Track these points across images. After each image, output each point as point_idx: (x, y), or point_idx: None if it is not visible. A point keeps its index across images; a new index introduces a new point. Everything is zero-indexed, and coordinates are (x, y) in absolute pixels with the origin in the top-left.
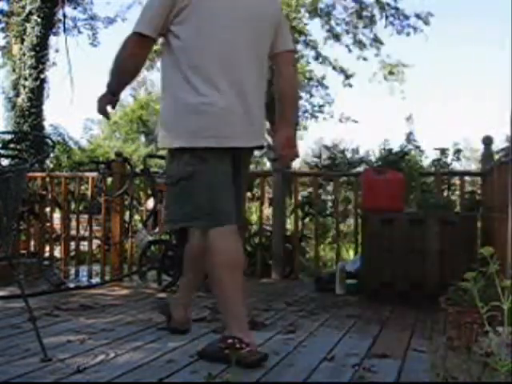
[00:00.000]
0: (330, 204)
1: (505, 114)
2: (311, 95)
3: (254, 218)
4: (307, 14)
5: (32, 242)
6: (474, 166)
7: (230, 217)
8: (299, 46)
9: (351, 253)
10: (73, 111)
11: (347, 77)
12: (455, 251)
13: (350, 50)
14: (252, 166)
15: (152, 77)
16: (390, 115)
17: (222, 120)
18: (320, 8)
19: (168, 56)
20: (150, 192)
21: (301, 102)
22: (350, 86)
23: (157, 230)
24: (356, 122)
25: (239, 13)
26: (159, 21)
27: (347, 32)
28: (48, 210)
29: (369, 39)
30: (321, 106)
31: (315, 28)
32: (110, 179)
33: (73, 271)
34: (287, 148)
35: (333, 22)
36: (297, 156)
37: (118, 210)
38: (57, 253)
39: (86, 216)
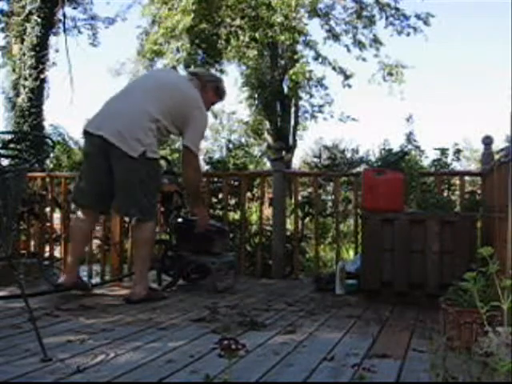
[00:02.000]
0: (330, 204)
1: (505, 114)
2: (311, 96)
3: (254, 217)
4: (307, 14)
5: (32, 242)
6: (473, 166)
7: (86, 202)
8: (299, 47)
9: (351, 253)
10: (73, 111)
11: (346, 77)
12: (455, 251)
13: (348, 50)
14: (252, 166)
15: None
16: (390, 115)
17: (98, 118)
18: (319, 8)
19: None
20: None
21: (301, 103)
22: (350, 86)
23: (157, 229)
24: (355, 120)
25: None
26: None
27: (346, 32)
28: (48, 209)
29: (368, 39)
30: (320, 106)
31: (315, 28)
32: None
33: None
34: (202, 223)
35: (332, 23)
36: (207, 223)
37: None
38: (57, 253)
39: None
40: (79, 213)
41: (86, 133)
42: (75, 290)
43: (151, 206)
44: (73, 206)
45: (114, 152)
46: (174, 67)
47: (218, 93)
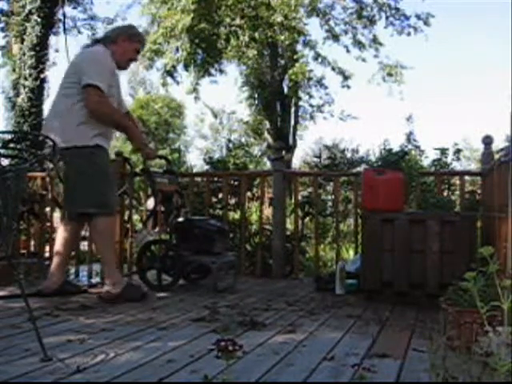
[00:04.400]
0: (330, 204)
1: (505, 114)
2: (310, 96)
3: (254, 217)
4: (306, 14)
5: (32, 242)
6: (473, 166)
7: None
8: (298, 47)
9: (351, 253)
10: None
11: (345, 78)
12: (455, 251)
13: (348, 51)
14: (252, 166)
15: (151, 77)
16: (390, 115)
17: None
18: (319, 8)
19: None
20: (150, 192)
21: (300, 103)
22: (348, 87)
23: (157, 229)
24: (356, 118)
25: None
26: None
27: (345, 32)
28: (48, 209)
29: (368, 40)
30: (319, 107)
31: (314, 28)
32: None
33: (73, 271)
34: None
35: (332, 23)
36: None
37: (118, 209)
38: None
39: None
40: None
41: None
42: (62, 294)
43: (101, 198)
44: None
45: (60, 153)
46: (174, 67)
47: (134, 38)
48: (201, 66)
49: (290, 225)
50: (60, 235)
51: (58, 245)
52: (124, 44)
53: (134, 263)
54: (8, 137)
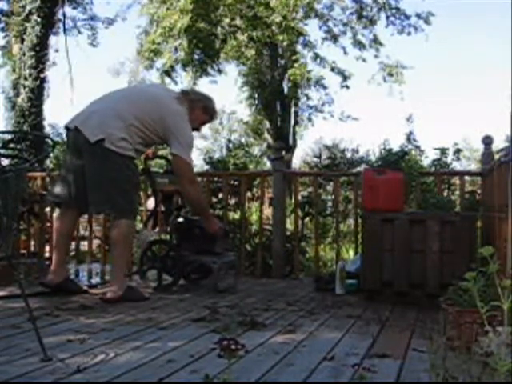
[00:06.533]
0: (330, 204)
1: (505, 114)
2: (308, 98)
3: (254, 217)
4: (305, 15)
5: (32, 242)
6: (473, 166)
7: (62, 200)
8: (298, 47)
9: (351, 253)
10: (73, 111)
11: (345, 78)
12: (455, 251)
13: (345, 53)
14: (252, 166)
15: (151, 77)
16: (390, 115)
17: (75, 116)
18: (317, 9)
19: None
20: (150, 192)
21: (300, 104)
22: (348, 87)
23: (157, 229)
24: (356, 119)
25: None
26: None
27: (344, 33)
28: (48, 209)
29: (368, 40)
30: (317, 108)
31: (314, 29)
32: None
33: (73, 271)
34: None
35: (331, 24)
36: (221, 229)
37: None
38: None
39: (86, 216)
40: (58, 211)
41: (65, 128)
42: (62, 290)
43: (128, 204)
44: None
45: (82, 143)
46: (172, 66)
47: (207, 112)
48: (199, 66)
49: (289, 225)
50: (56, 225)
51: (57, 235)
52: (198, 112)
53: (135, 263)
54: (8, 137)
